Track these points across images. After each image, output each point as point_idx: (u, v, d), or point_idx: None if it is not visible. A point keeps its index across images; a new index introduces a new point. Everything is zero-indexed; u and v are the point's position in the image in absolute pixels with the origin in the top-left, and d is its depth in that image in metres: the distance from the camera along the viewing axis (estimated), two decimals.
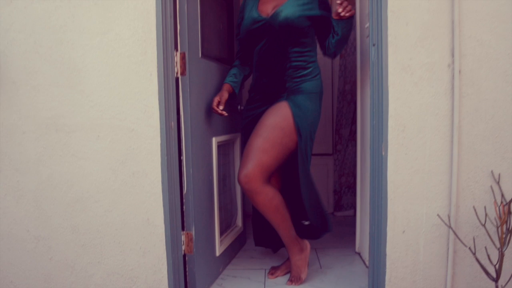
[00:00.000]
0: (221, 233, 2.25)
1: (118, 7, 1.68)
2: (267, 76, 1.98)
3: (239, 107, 2.41)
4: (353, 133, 3.17)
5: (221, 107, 1.90)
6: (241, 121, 2.19)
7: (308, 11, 1.89)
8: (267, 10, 1.95)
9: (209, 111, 2.04)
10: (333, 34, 1.87)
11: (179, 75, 1.78)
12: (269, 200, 1.88)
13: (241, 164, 1.90)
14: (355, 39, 2.91)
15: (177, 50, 1.78)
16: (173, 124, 1.74)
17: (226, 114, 1.91)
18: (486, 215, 1.63)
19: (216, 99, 1.92)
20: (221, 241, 2.19)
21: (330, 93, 3.37)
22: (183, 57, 1.78)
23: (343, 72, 3.17)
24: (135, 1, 1.67)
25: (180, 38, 1.77)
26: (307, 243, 2.09)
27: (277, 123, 1.88)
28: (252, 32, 1.94)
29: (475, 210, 1.65)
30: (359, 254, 2.45)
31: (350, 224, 3.04)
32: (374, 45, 1.68)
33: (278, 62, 1.95)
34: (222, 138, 2.18)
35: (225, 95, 1.95)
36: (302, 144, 1.90)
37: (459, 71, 1.65)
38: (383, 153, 1.68)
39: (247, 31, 1.96)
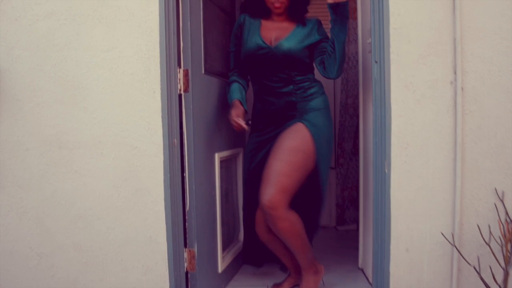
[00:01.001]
0: (223, 249, 2.23)
1: (122, 25, 1.69)
2: (275, 101, 1.99)
3: None
4: (356, 146, 3.17)
5: (241, 120, 1.88)
6: (247, 146, 2.16)
7: (308, 40, 1.95)
8: (270, 37, 1.98)
9: (212, 127, 2.04)
10: (332, 27, 1.87)
11: (182, 91, 1.79)
12: (292, 225, 1.88)
13: (263, 189, 1.87)
14: (356, 53, 2.92)
15: (180, 67, 1.79)
16: (176, 141, 1.75)
17: (247, 128, 1.89)
18: (490, 233, 1.61)
19: (235, 113, 1.90)
20: (223, 257, 2.18)
21: (333, 107, 3.37)
22: (186, 74, 1.79)
23: (345, 86, 3.18)
24: (139, 19, 1.68)
25: (183, 56, 1.78)
26: (322, 267, 2.09)
27: (298, 146, 1.89)
28: (255, 57, 1.97)
29: (479, 228, 1.64)
30: (362, 270, 2.43)
31: (353, 238, 3.01)
32: (376, 62, 1.69)
33: (284, 87, 1.97)
34: (224, 153, 2.18)
35: (241, 108, 1.95)
36: (322, 163, 1.93)
37: (462, 88, 1.65)
38: (386, 171, 1.68)
39: (251, 54, 1.98)
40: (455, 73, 1.65)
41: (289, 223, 1.87)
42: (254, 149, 2.07)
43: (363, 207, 2.44)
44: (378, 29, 1.66)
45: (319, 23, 2.01)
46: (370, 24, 1.77)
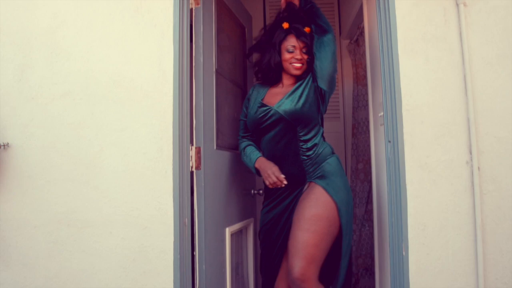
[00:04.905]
0: None
1: (136, 106, 1.71)
2: (286, 166, 1.93)
3: (252, 191, 2.38)
4: (369, 212, 3.09)
5: (281, 175, 1.86)
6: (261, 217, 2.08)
7: (308, 91, 1.91)
8: (275, 101, 1.96)
9: (223, 201, 2.01)
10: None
11: (194, 169, 1.78)
12: None
13: (291, 261, 1.80)
14: (366, 118, 2.94)
15: (192, 145, 1.78)
16: (187, 220, 1.71)
17: (286, 182, 1.86)
18: None
19: (276, 171, 1.86)
20: None
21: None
22: (198, 152, 1.78)
23: (355, 150, 3.16)
24: (153, 100, 1.71)
25: (195, 134, 1.79)
26: None
27: (320, 214, 1.82)
28: (258, 120, 1.96)
29: None
30: None
31: None
32: (390, 142, 1.67)
33: (291, 150, 1.92)
34: (235, 227, 2.13)
35: (272, 162, 1.92)
36: (346, 227, 1.86)
37: (478, 168, 1.62)
38: (404, 253, 1.61)
39: (252, 118, 1.98)
40: (470, 153, 1.63)
41: None
42: (268, 221, 2.00)
43: (379, 278, 2.34)
44: (391, 110, 1.66)
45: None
46: (381, 98, 1.77)
